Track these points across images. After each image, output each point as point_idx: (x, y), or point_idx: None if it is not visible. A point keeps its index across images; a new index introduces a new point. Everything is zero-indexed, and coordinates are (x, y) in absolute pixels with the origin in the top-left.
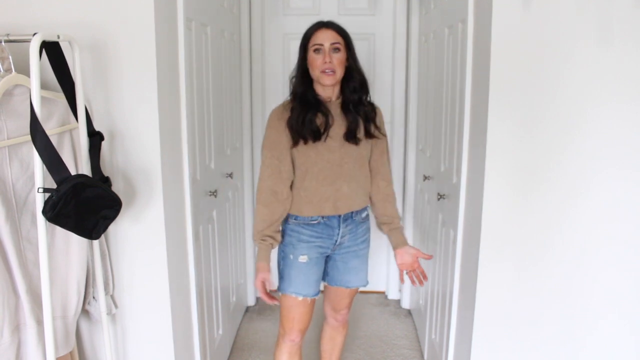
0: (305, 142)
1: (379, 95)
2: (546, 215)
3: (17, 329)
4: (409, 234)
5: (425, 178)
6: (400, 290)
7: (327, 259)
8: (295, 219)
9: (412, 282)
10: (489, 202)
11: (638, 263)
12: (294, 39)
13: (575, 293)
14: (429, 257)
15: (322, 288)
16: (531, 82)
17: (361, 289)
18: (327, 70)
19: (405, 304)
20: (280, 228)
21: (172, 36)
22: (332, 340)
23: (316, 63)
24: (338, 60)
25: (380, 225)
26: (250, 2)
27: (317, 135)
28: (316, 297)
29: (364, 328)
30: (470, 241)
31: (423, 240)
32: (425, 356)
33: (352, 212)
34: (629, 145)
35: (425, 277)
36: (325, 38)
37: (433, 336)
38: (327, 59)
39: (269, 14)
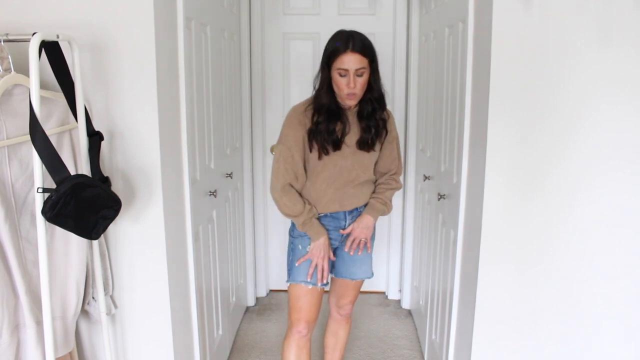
0: (327, 153)
1: None
2: (547, 215)
3: (16, 329)
4: (409, 233)
5: (426, 178)
6: (400, 291)
7: (335, 251)
8: None
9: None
10: (489, 203)
11: (638, 262)
12: (294, 39)
13: (576, 293)
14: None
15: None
16: (531, 82)
17: (361, 288)
18: (349, 94)
19: (406, 304)
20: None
21: (172, 36)
22: (335, 336)
23: (341, 85)
24: (361, 85)
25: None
26: (250, 2)
27: (336, 145)
28: (325, 287)
29: (364, 328)
30: (470, 241)
31: (423, 240)
32: (426, 356)
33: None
34: (630, 145)
35: (363, 249)
36: (352, 63)
37: (433, 336)
38: (352, 85)
39: (269, 14)
